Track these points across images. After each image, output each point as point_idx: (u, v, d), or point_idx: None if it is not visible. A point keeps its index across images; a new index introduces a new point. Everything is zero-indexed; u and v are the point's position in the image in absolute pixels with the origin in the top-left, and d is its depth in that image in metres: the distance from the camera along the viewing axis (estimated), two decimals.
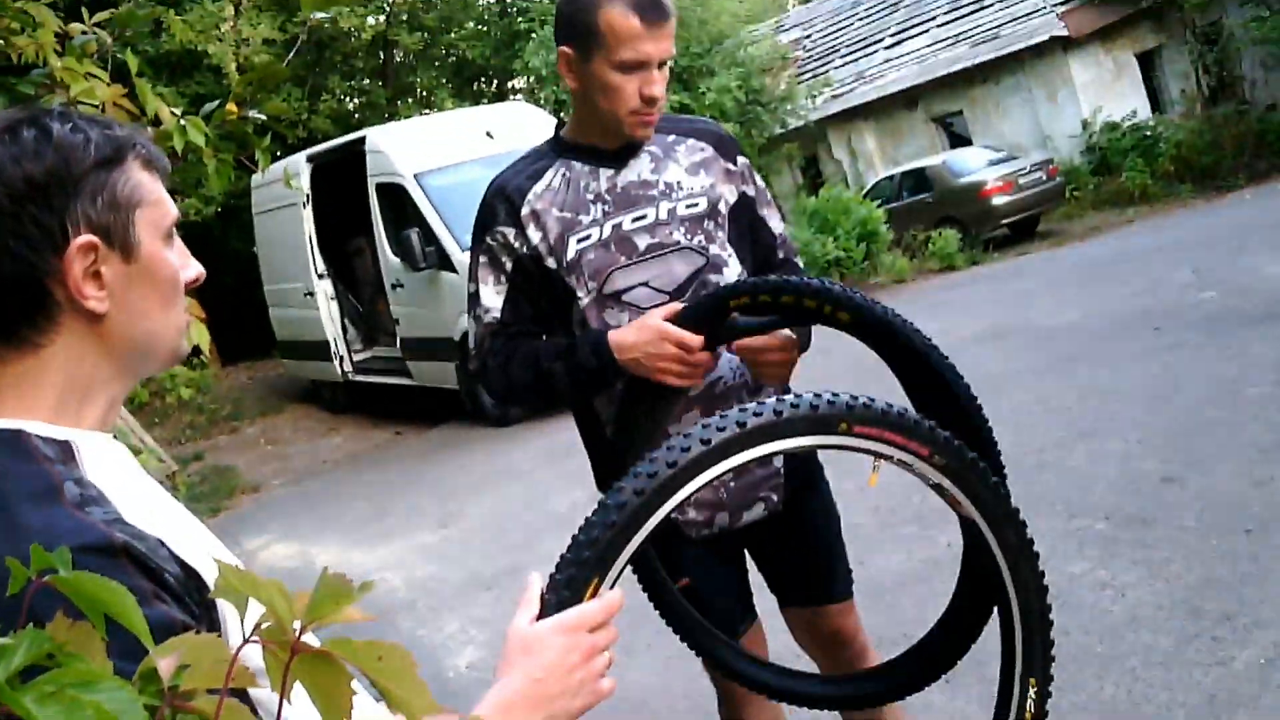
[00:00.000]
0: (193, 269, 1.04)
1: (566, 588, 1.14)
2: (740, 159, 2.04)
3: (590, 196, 1.93)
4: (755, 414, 1.26)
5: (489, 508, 6.59)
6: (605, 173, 1.94)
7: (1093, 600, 3.35)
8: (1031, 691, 1.51)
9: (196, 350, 2.09)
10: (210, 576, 0.90)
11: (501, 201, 1.95)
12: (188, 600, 0.88)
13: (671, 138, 2.00)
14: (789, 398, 1.29)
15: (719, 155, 2.01)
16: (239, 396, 13.94)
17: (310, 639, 0.95)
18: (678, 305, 1.84)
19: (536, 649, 1.05)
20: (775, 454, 1.30)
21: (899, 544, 4.18)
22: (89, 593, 0.69)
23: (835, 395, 1.30)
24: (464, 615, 4.80)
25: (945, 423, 1.48)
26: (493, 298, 1.97)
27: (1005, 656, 1.51)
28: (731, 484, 1.98)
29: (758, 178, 2.08)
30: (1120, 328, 6.97)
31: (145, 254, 0.97)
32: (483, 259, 1.98)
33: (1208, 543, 3.54)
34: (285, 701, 0.74)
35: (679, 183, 1.95)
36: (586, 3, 1.82)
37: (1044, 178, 14.66)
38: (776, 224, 2.11)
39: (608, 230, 1.92)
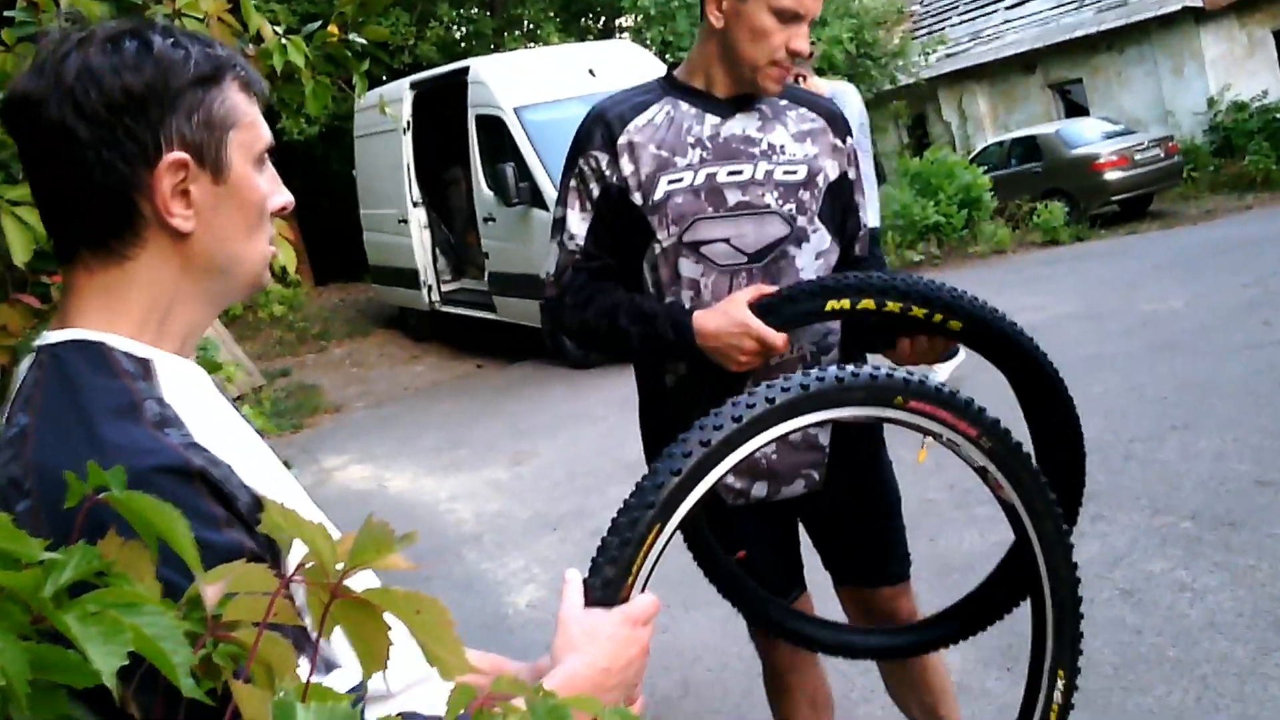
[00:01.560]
0: (281, 196, 1.03)
1: (629, 530, 1.18)
2: (849, 139, 1.99)
3: (691, 140, 1.89)
4: (819, 379, 1.31)
5: (561, 449, 6.64)
6: (711, 119, 1.90)
7: (1170, 601, 3.24)
8: (1060, 683, 1.53)
9: (285, 270, 2.11)
10: None
11: (600, 126, 1.91)
12: (256, 529, 0.88)
13: (785, 102, 1.95)
14: (850, 367, 1.34)
15: (829, 128, 1.96)
16: (328, 317, 14.23)
17: (368, 578, 0.95)
18: (769, 289, 1.80)
19: (604, 637, 1.05)
20: (833, 421, 1.35)
21: (972, 524, 4.09)
22: (141, 513, 0.69)
23: (893, 370, 1.36)
24: (528, 553, 4.85)
25: (1053, 429, 1.56)
26: (578, 224, 1.94)
27: (1036, 647, 1.53)
28: (774, 455, 1.95)
29: (863, 164, 2.03)
30: (1227, 319, 6.69)
31: (235, 176, 0.97)
32: (573, 183, 1.95)
33: None
34: (324, 641, 0.73)
35: (782, 146, 1.90)
36: None
37: (1162, 155, 14.06)
38: (866, 216, 2.06)
39: (701, 178, 1.87)
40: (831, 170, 1.95)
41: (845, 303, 1.71)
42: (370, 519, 0.62)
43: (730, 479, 1.95)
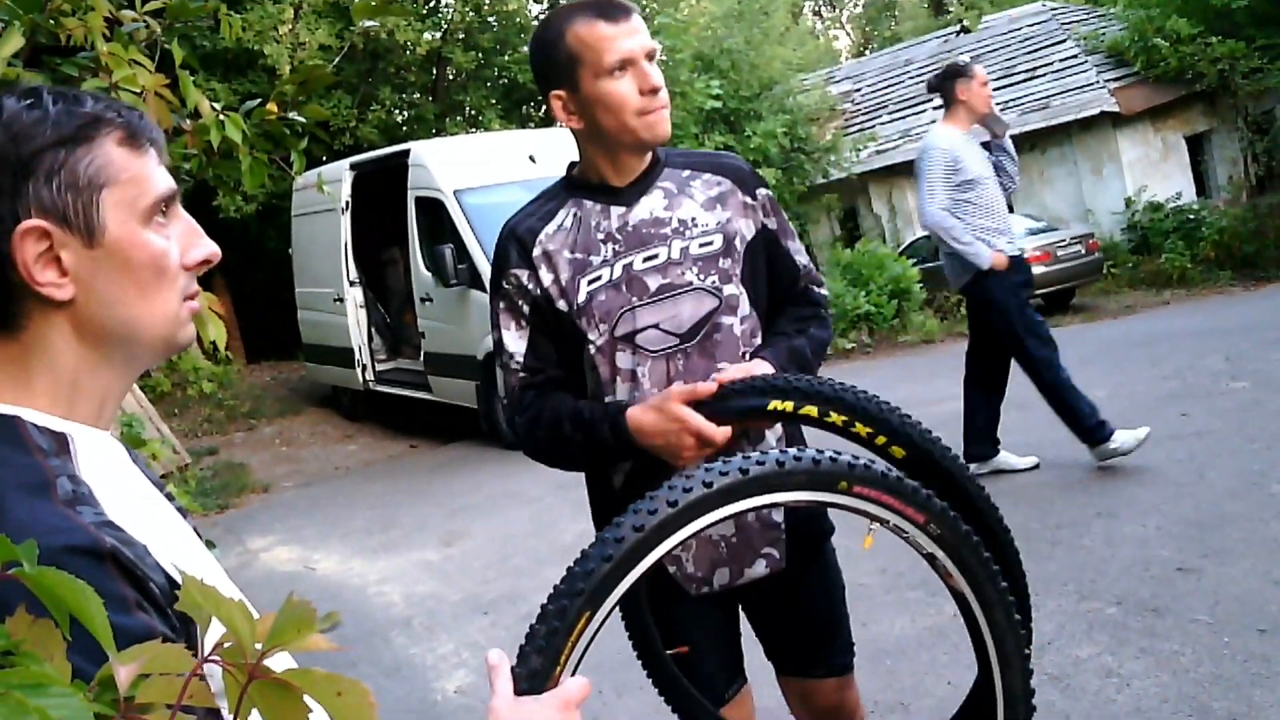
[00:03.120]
0: (201, 248, 0.99)
1: (558, 618, 1.14)
2: (760, 191, 2.00)
3: (601, 236, 1.89)
4: (758, 463, 1.27)
5: (494, 530, 6.54)
6: (616, 210, 1.90)
7: (1097, 687, 3.27)
8: None
9: (215, 345, 2.08)
10: None
11: (513, 244, 1.92)
12: (169, 612, 0.85)
13: (687, 173, 1.96)
14: (792, 451, 1.30)
15: (737, 188, 1.97)
16: (259, 395, 13.98)
17: (285, 661, 0.92)
18: (708, 387, 1.73)
19: None
20: (773, 506, 1.31)
21: (904, 608, 4.10)
22: (54, 590, 0.66)
23: (838, 454, 1.31)
24: (458, 637, 4.75)
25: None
26: (516, 342, 1.93)
27: None
28: (734, 539, 1.93)
29: (780, 211, 2.05)
30: (1147, 410, 6.87)
31: (113, 237, 0.92)
32: (502, 304, 1.95)
33: (1219, 639, 3.44)
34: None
35: (693, 219, 1.91)
36: (551, 37, 1.83)
37: (1083, 251, 14.56)
38: (799, 255, 2.06)
39: (618, 270, 1.88)
40: (747, 229, 1.96)
41: (789, 405, 1.65)
42: (291, 598, 0.61)
43: (691, 568, 1.93)
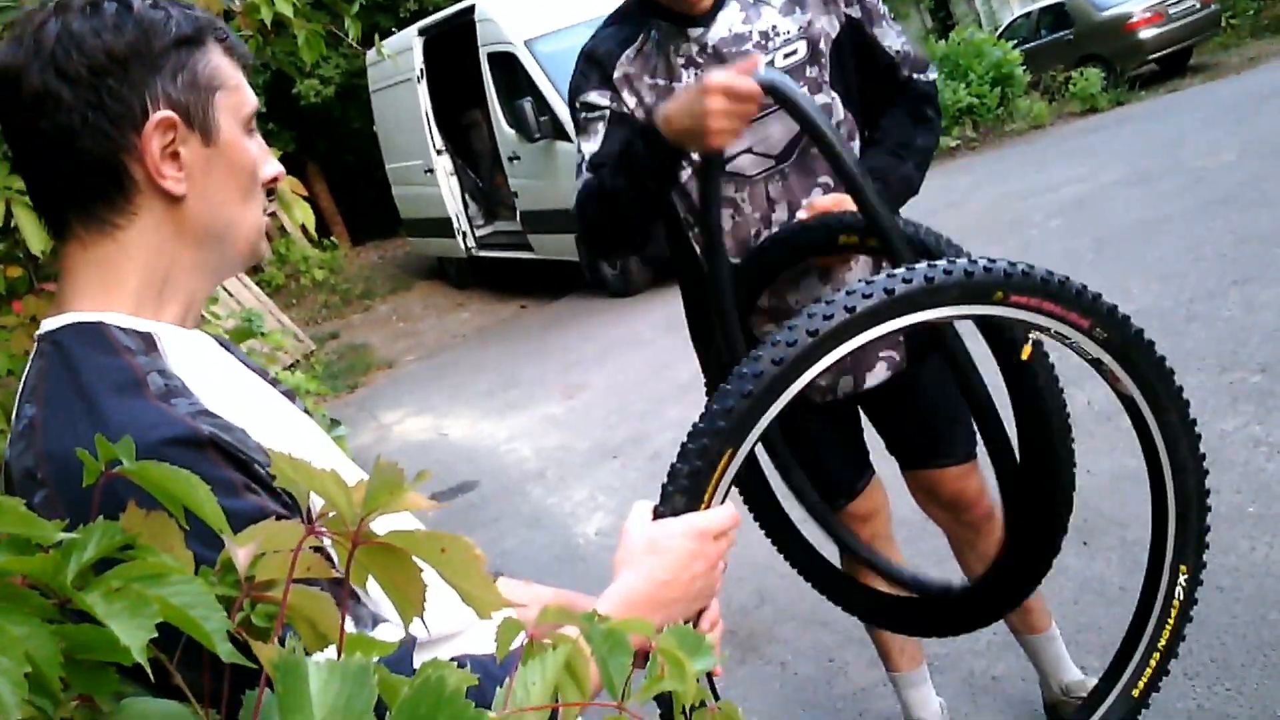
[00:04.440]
0: (271, 166, 1.02)
1: (699, 457, 1.11)
2: None
3: (681, 60, 1.81)
4: (904, 280, 1.17)
5: (612, 377, 6.63)
6: (694, 32, 1.81)
7: (1245, 458, 3.16)
8: (1182, 578, 1.42)
9: (305, 227, 2.09)
10: None
11: (593, 67, 1.86)
12: (279, 490, 0.86)
13: None
14: (941, 264, 1.18)
15: None
16: (370, 275, 14.29)
17: (409, 520, 0.92)
18: (748, 66, 1.58)
19: (663, 549, 1.01)
20: (925, 324, 1.20)
21: None
22: (160, 483, 0.66)
23: (991, 261, 1.20)
24: (591, 483, 4.87)
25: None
26: (591, 146, 1.88)
27: (1155, 540, 1.43)
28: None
29: None
30: None
31: (225, 139, 0.95)
32: (581, 118, 1.89)
33: None
34: (367, 595, 0.70)
35: (774, 27, 1.80)
36: None
37: (1197, 5, 13.49)
38: (893, 40, 1.90)
39: None
40: (830, 27, 1.84)
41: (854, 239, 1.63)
42: (379, 460, 0.59)
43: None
